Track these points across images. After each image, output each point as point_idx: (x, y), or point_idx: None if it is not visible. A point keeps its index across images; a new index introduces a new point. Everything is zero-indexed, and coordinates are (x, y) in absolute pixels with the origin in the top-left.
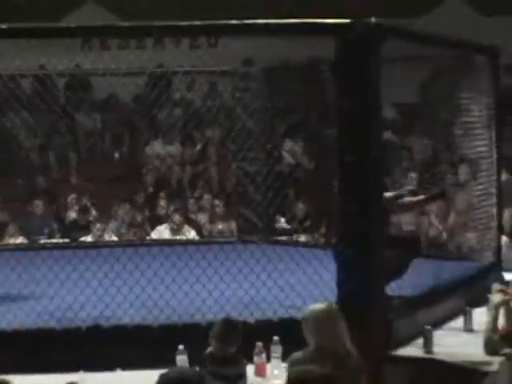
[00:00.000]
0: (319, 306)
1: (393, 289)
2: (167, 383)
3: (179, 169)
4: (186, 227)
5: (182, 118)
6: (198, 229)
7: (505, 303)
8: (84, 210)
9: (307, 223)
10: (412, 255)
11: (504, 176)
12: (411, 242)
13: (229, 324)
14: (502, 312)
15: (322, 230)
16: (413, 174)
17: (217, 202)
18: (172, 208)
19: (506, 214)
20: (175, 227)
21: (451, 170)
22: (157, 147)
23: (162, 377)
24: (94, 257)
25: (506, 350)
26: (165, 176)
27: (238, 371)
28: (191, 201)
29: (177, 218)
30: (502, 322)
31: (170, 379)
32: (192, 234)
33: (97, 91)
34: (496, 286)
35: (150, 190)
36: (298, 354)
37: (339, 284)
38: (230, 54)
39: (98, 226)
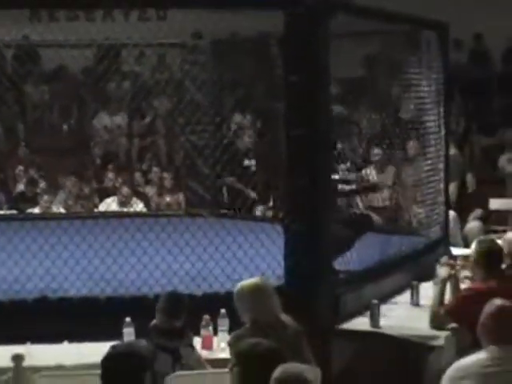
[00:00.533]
0: (248, 281)
1: (340, 263)
2: (118, 356)
3: (127, 141)
4: (134, 200)
5: (130, 91)
6: (146, 201)
7: (451, 277)
8: (31, 182)
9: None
10: (359, 232)
11: (452, 151)
12: (360, 218)
13: (174, 297)
14: (448, 286)
15: (270, 203)
16: (376, 150)
17: (165, 174)
18: (120, 180)
19: (452, 186)
20: (123, 199)
21: (399, 145)
22: (104, 119)
23: (112, 349)
24: (42, 229)
25: (452, 325)
26: (112, 148)
27: (185, 344)
28: (139, 173)
29: (125, 190)
30: (448, 296)
31: (121, 352)
32: (140, 207)
33: (45, 63)
34: (444, 260)
35: (98, 162)
36: (237, 332)
37: (286, 258)
38: (179, 26)
39: (46, 197)
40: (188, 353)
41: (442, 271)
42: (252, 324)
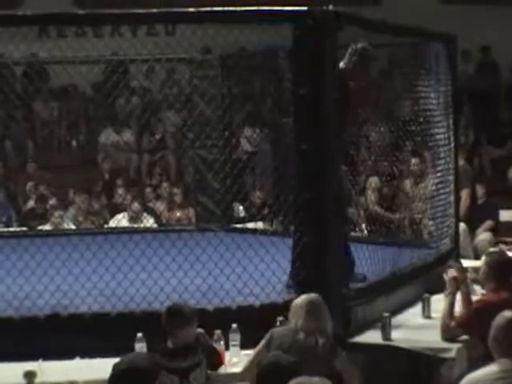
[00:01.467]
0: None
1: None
2: (118, 373)
3: (137, 157)
4: (144, 215)
5: (139, 106)
6: (156, 217)
7: (459, 288)
8: (41, 198)
9: (265, 211)
10: None
11: (460, 162)
12: None
13: (172, 312)
14: (458, 298)
15: (280, 217)
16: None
17: (175, 189)
18: (129, 196)
19: (464, 193)
20: (133, 215)
21: (409, 157)
22: (112, 135)
23: (114, 367)
24: (52, 245)
25: (463, 337)
26: (122, 164)
27: (191, 363)
28: (149, 189)
29: (135, 206)
30: (458, 308)
31: (121, 369)
32: (150, 222)
33: (54, 79)
34: (451, 272)
35: (107, 177)
36: (280, 330)
37: (297, 271)
38: (188, 42)
39: (56, 214)
40: (195, 375)
41: (450, 283)
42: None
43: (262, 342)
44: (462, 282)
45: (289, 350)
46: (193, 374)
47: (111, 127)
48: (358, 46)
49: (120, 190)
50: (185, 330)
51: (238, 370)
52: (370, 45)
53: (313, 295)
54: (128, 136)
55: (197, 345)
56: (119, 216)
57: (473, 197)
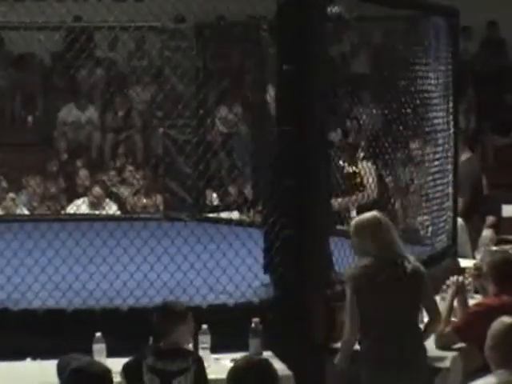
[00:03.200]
0: (366, 216)
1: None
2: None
3: (99, 136)
4: (107, 201)
5: (103, 79)
6: (120, 203)
7: (458, 293)
8: None
9: (241, 199)
10: None
11: (464, 156)
12: None
13: (165, 311)
14: (455, 302)
15: (259, 206)
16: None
17: (141, 173)
18: (90, 179)
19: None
20: (94, 201)
21: (403, 143)
22: (74, 111)
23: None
24: (2, 232)
25: (460, 345)
26: (83, 143)
27: (179, 366)
28: (113, 172)
29: (96, 190)
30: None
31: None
32: (113, 209)
33: (9, 47)
34: (451, 281)
35: (65, 157)
36: (357, 265)
37: (275, 268)
38: (159, 8)
39: (8, 197)
40: (180, 380)
41: (450, 287)
42: (375, 257)
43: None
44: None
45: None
46: (177, 379)
47: (73, 102)
48: (332, 10)
49: (80, 173)
50: (179, 329)
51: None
52: (358, 16)
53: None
54: (91, 112)
55: (188, 350)
56: (78, 201)
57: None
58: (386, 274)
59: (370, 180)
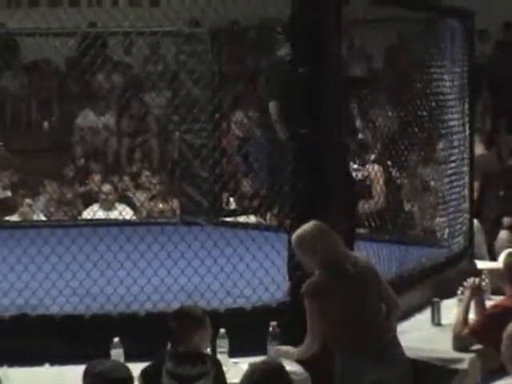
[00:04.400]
0: (304, 228)
1: None
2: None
3: (115, 141)
4: (123, 206)
5: (119, 85)
6: (135, 208)
7: (475, 295)
8: (8, 187)
9: (258, 203)
10: None
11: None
12: None
13: (183, 315)
14: (472, 303)
15: (275, 210)
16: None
17: (157, 178)
18: (107, 185)
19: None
20: (104, 198)
21: (419, 145)
22: (91, 117)
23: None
24: (20, 238)
25: (477, 346)
26: (99, 148)
27: (198, 370)
28: (129, 177)
29: (106, 187)
30: (472, 314)
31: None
32: (130, 214)
33: (24, 53)
34: (469, 283)
35: (82, 162)
36: (312, 280)
37: (292, 271)
38: (174, 13)
39: (25, 203)
40: None
41: (466, 289)
42: (322, 267)
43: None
44: (478, 288)
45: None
46: None
47: (89, 107)
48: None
49: (95, 178)
50: (197, 334)
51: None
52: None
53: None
54: (107, 117)
55: (206, 354)
56: (95, 207)
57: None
58: (339, 279)
59: (378, 188)
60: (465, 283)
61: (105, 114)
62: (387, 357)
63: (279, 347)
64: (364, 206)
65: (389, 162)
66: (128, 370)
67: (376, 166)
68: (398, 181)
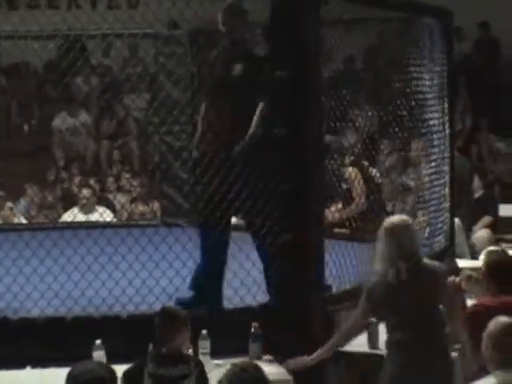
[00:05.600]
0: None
1: (334, 277)
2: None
3: (95, 143)
4: (103, 209)
5: (98, 87)
6: (117, 210)
7: (455, 293)
8: None
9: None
10: None
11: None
12: None
13: (165, 317)
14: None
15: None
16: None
17: (138, 180)
18: (87, 187)
19: None
20: (84, 202)
21: (399, 145)
22: (68, 119)
23: (73, 377)
24: (1, 241)
25: (456, 346)
26: (78, 151)
27: (180, 371)
28: (109, 179)
29: (85, 191)
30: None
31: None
32: (110, 217)
33: (3, 56)
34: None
35: (61, 165)
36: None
37: (273, 272)
38: (153, 15)
39: (5, 206)
40: None
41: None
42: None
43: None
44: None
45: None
46: None
47: (66, 110)
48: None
49: (76, 180)
50: (181, 335)
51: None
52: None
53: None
54: (85, 118)
55: (189, 355)
56: (75, 210)
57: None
58: (405, 278)
59: (359, 189)
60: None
61: (80, 114)
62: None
63: (295, 360)
64: (346, 210)
65: (367, 163)
66: (112, 371)
67: (355, 168)
68: (379, 181)
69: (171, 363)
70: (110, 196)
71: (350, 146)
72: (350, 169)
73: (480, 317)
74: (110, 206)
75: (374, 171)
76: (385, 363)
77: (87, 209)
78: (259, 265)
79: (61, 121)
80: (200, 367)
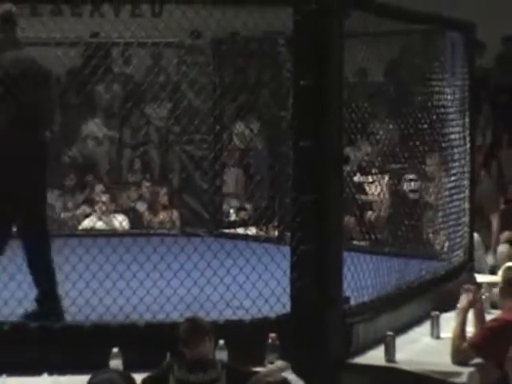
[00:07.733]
0: None
1: (352, 289)
2: None
3: (117, 151)
4: (123, 217)
5: (120, 95)
6: (137, 219)
7: (472, 306)
8: None
9: (258, 215)
10: None
11: None
12: None
13: (193, 324)
14: (471, 316)
15: (275, 222)
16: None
17: (158, 189)
18: (106, 195)
19: None
20: (103, 208)
21: (419, 159)
22: (93, 128)
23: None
24: (18, 248)
25: (477, 360)
26: (100, 159)
27: (210, 377)
28: (130, 187)
29: (104, 197)
30: (471, 328)
31: None
32: (124, 225)
33: None
34: (466, 287)
35: (82, 173)
36: None
37: (292, 283)
38: (176, 24)
39: None
40: None
41: (463, 299)
42: None
43: None
44: (475, 299)
45: None
46: None
47: (91, 118)
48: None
49: (96, 188)
50: (206, 342)
51: None
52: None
53: None
54: (110, 128)
55: (214, 360)
56: (94, 217)
57: None
58: None
59: (379, 202)
60: (461, 296)
61: (107, 125)
62: None
63: None
64: (365, 220)
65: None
66: (132, 379)
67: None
68: (400, 193)
69: (200, 369)
70: (130, 204)
71: (369, 158)
72: (371, 179)
73: (498, 331)
74: (131, 214)
75: (405, 185)
76: None
77: (107, 215)
78: (278, 276)
79: (85, 129)
80: (228, 369)
